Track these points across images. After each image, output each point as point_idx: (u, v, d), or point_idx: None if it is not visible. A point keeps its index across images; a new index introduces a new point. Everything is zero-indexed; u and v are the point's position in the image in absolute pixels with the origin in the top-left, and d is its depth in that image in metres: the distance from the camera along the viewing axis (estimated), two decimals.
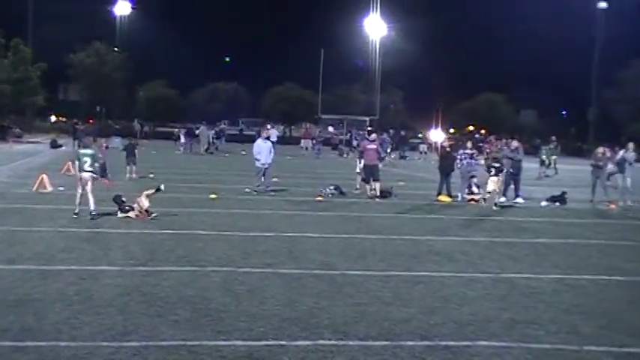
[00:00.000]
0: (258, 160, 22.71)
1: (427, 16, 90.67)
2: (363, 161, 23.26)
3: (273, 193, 22.26)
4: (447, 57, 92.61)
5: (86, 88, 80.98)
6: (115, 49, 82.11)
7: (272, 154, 23.09)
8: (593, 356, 7.45)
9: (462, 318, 8.63)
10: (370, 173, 22.59)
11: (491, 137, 44.11)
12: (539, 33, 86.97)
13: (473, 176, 23.33)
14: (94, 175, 16.39)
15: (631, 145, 23.99)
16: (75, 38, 76.57)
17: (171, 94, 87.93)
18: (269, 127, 32.27)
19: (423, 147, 57.50)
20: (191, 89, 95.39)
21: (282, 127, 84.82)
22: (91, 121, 78.31)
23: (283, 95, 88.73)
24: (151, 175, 26.65)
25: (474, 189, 22.87)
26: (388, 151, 40.54)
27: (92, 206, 15.74)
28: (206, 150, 46.66)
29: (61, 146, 45.50)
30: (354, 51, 77.40)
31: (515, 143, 24.21)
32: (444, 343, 7.65)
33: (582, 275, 11.51)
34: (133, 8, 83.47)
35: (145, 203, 16.13)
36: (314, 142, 53.25)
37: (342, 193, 22.78)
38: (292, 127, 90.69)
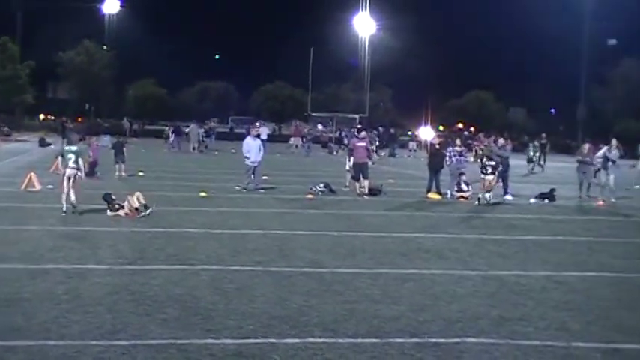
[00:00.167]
0: (247, 159, 22.70)
1: (416, 14, 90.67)
2: (352, 159, 23.29)
3: (262, 191, 22.25)
4: (436, 55, 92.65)
5: (75, 87, 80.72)
6: (104, 47, 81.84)
7: (262, 152, 23.08)
8: (582, 352, 7.48)
9: (451, 315, 8.65)
10: (360, 171, 22.61)
11: (480, 135, 44.23)
12: (528, 31, 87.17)
13: (462, 174, 23.39)
14: (79, 173, 16.37)
15: (614, 142, 24.07)
16: (64, 36, 76.27)
17: (161, 92, 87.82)
18: (258, 125, 32.26)
19: (412, 145, 57.61)
20: (180, 88, 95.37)
21: (272, 126, 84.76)
22: (79, 119, 78.09)
23: (273, 93, 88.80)
24: (141, 174, 26.62)
25: (463, 186, 22.92)
26: (374, 148, 40.57)
27: (75, 202, 15.81)
28: (194, 148, 46.53)
29: (49, 145, 45.27)
30: (343, 49, 77.50)
31: (501, 141, 24.28)
32: (433, 340, 7.66)
33: (571, 272, 11.56)
34: (122, 6, 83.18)
35: (135, 202, 16.10)
36: (304, 140, 53.22)
37: (331, 191, 22.79)
38: (282, 125, 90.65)
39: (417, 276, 10.78)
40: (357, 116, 67.54)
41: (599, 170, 23.72)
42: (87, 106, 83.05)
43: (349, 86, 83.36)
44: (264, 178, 24.24)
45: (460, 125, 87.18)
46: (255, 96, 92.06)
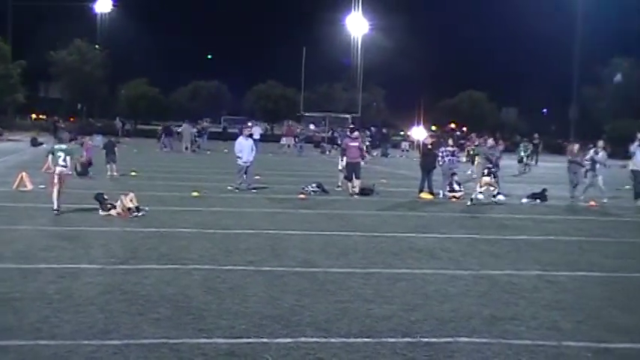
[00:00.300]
0: (239, 158, 22.69)
1: (409, 14, 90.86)
2: (345, 159, 23.30)
3: (255, 191, 22.24)
4: (429, 55, 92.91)
5: (67, 86, 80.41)
6: (97, 46, 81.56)
7: (254, 152, 23.08)
8: (573, 351, 7.51)
9: (444, 315, 8.67)
10: (352, 171, 22.62)
11: (473, 135, 44.29)
12: (520, 31, 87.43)
13: (454, 173, 23.45)
14: (68, 172, 16.38)
15: (601, 143, 24.15)
16: (56, 36, 76.00)
17: (153, 92, 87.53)
18: (250, 124, 32.25)
19: (404, 144, 57.70)
20: (173, 87, 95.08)
21: (265, 125, 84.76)
22: (72, 119, 77.93)
23: (265, 93, 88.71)
24: (133, 174, 26.58)
25: (455, 186, 22.99)
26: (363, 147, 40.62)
27: (55, 203, 15.82)
28: (186, 148, 46.46)
29: (41, 144, 45.08)
30: (336, 49, 77.58)
31: (490, 141, 24.35)
32: (425, 339, 7.68)
33: (562, 272, 11.60)
34: (114, 6, 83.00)
35: (128, 202, 16.08)
36: (296, 139, 53.22)
37: (324, 190, 22.80)
38: (274, 125, 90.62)
39: (410, 276, 10.79)
40: (349, 116, 67.64)
41: (587, 171, 23.79)
42: (79, 105, 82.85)
43: (342, 86, 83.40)
44: (256, 177, 24.24)
45: (452, 125, 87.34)
46: (248, 96, 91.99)
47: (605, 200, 22.90)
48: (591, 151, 24.03)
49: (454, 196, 22.57)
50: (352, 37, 75.60)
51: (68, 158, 16.26)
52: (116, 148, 27.01)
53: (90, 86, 79.53)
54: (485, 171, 21.73)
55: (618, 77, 24.18)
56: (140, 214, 15.93)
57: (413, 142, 60.79)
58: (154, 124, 75.23)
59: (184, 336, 7.46)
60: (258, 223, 15.73)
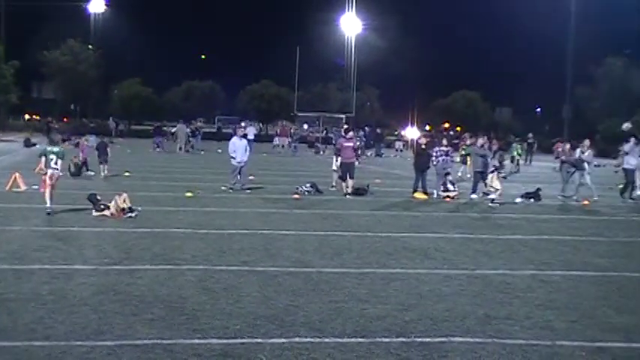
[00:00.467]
0: (233, 158, 22.67)
1: (402, 14, 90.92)
2: (339, 159, 23.31)
3: (249, 191, 22.23)
4: (423, 55, 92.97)
5: (60, 87, 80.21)
6: (90, 46, 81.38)
7: (248, 152, 23.05)
8: (566, 351, 7.52)
9: (438, 314, 8.67)
10: (346, 170, 22.62)
11: (466, 134, 44.33)
12: (514, 31, 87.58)
13: (448, 173, 23.49)
14: (60, 173, 16.38)
15: (586, 142, 24.25)
16: (49, 36, 75.82)
17: (146, 92, 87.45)
18: (244, 124, 32.25)
19: (398, 144, 57.74)
20: (166, 87, 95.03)
21: (259, 125, 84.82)
22: (65, 119, 77.81)
23: (259, 93, 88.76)
24: (127, 174, 26.54)
25: (449, 186, 23.04)
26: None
27: (49, 202, 15.83)
28: (180, 148, 46.38)
29: (34, 145, 44.99)
30: (329, 49, 77.56)
31: (480, 140, 24.40)
32: (419, 339, 7.68)
33: (556, 271, 11.62)
34: (107, 6, 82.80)
35: (121, 202, 16.04)
36: (290, 139, 53.22)
37: (318, 190, 22.80)
38: (267, 124, 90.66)
39: (404, 275, 10.80)
40: (343, 116, 67.68)
41: (576, 170, 23.88)
42: (72, 106, 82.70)
43: (335, 85, 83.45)
44: (250, 177, 24.23)
45: (446, 125, 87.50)
46: (242, 96, 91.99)
47: (595, 198, 22.99)
48: (578, 151, 24.15)
49: (448, 196, 22.61)
50: (346, 37, 75.63)
51: (60, 161, 16.25)
52: (108, 149, 26.97)
53: (83, 86, 79.35)
54: (492, 167, 21.99)
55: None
56: (133, 214, 15.90)
57: (407, 142, 60.83)
58: (148, 125, 75.11)
59: (178, 336, 7.45)
60: (252, 223, 15.72)
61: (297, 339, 7.53)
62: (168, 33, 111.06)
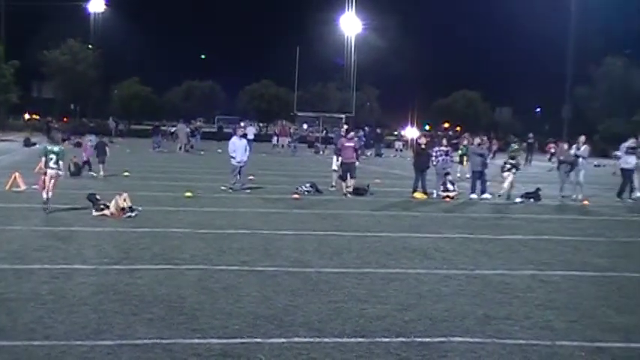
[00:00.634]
0: (233, 158, 22.65)
1: (402, 14, 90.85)
2: (340, 159, 23.31)
3: (248, 191, 22.22)
4: (423, 54, 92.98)
5: (60, 86, 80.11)
6: (90, 46, 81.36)
7: (247, 152, 23.04)
8: (566, 351, 7.52)
9: (437, 314, 8.67)
10: (347, 170, 22.62)
11: (466, 134, 44.36)
12: (514, 31, 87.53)
13: (447, 173, 23.51)
14: (60, 173, 16.40)
15: (582, 138, 24.28)
16: (49, 35, 75.79)
17: (146, 91, 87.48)
18: (243, 124, 32.23)
19: (398, 144, 57.71)
20: (166, 87, 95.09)
21: (259, 125, 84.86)
22: (65, 119, 77.77)
23: (259, 93, 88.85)
24: (126, 174, 26.53)
25: (449, 186, 23.05)
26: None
27: (49, 197, 15.88)
28: (180, 148, 46.38)
29: (34, 144, 45.00)
30: (329, 49, 77.55)
31: (477, 140, 24.50)
32: (418, 339, 7.68)
33: (555, 271, 11.62)
34: (107, 5, 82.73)
35: (121, 202, 16.04)
36: (290, 139, 53.22)
37: (317, 190, 22.81)
38: (267, 124, 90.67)
39: (403, 275, 10.80)
40: (343, 116, 67.64)
41: (572, 169, 23.92)
42: (72, 105, 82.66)
43: (335, 85, 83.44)
44: (250, 177, 24.23)
45: (447, 125, 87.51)
46: (242, 95, 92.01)
47: (580, 196, 23.03)
48: (573, 147, 24.18)
49: (448, 196, 22.61)
50: (346, 37, 75.61)
51: (60, 161, 16.27)
52: (107, 148, 27.00)
53: (83, 86, 79.30)
54: (508, 166, 22.15)
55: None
56: (134, 214, 15.90)
57: (407, 141, 60.82)
58: (147, 124, 75.11)
59: (177, 336, 7.45)
60: (251, 223, 15.72)
61: (296, 339, 7.53)
62: (168, 33, 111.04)
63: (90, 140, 28.79)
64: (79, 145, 38.46)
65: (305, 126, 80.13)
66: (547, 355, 7.39)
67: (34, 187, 19.67)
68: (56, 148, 16.44)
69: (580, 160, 23.58)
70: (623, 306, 9.50)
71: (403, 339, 7.67)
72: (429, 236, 14.80)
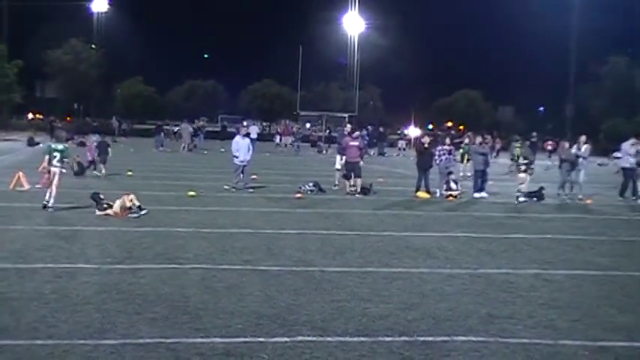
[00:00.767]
0: (236, 158, 22.65)
1: (405, 13, 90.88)
2: (344, 158, 23.29)
3: (251, 190, 22.22)
4: (425, 54, 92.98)
5: (63, 86, 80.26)
6: (92, 46, 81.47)
7: (250, 151, 23.03)
8: (569, 350, 7.52)
9: (440, 313, 8.67)
10: (352, 170, 22.60)
11: (470, 133, 44.32)
12: (516, 30, 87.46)
13: (450, 172, 23.48)
14: (63, 170, 16.45)
15: (582, 138, 24.27)
16: (51, 35, 75.89)
17: (149, 91, 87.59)
18: (246, 124, 32.24)
19: (401, 143, 57.67)
20: (169, 86, 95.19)
21: (262, 124, 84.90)
22: (68, 118, 77.86)
23: (261, 92, 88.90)
24: (129, 173, 26.54)
25: (452, 185, 23.02)
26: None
27: (51, 200, 16.00)
28: (184, 147, 46.40)
29: (38, 144, 45.06)
30: (332, 48, 77.63)
31: (479, 138, 24.51)
32: (422, 338, 7.68)
33: (559, 270, 11.61)
34: (109, 5, 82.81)
35: (128, 203, 16.03)
36: (293, 138, 53.24)
37: (320, 189, 22.81)
38: (269, 124, 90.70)
39: (406, 275, 10.79)
40: (346, 115, 67.67)
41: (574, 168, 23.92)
42: (75, 105, 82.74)
43: (338, 85, 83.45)
44: (253, 177, 24.22)
45: (449, 124, 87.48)
46: (244, 95, 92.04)
47: (580, 196, 23.01)
48: (574, 147, 24.17)
49: (451, 195, 22.60)
50: (349, 36, 75.67)
51: (65, 160, 16.32)
52: (109, 149, 27.06)
53: (86, 86, 79.42)
54: (522, 167, 22.13)
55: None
56: (143, 212, 15.89)
57: (409, 140, 60.79)
58: (150, 124, 75.18)
59: (181, 335, 7.46)
60: (254, 222, 15.72)
61: (299, 338, 7.53)
62: (171, 32, 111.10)
63: (95, 140, 28.85)
64: (82, 144, 38.56)
65: (308, 125, 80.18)
66: (550, 354, 7.39)
67: (38, 186, 19.71)
68: (60, 146, 16.47)
69: (580, 160, 23.57)
70: (625, 305, 9.50)
71: (406, 338, 7.67)
72: (432, 235, 14.79)
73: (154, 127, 52.91)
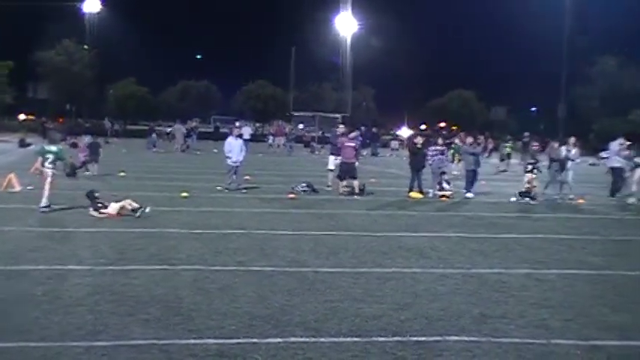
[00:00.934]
0: (229, 158, 22.64)
1: (398, 13, 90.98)
2: (339, 158, 23.28)
3: (244, 191, 22.21)
4: (418, 54, 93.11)
5: (55, 87, 79.95)
6: (85, 46, 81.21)
7: (243, 152, 23.01)
8: (561, 349, 7.54)
9: (433, 313, 8.68)
10: (347, 171, 22.58)
11: (461, 134, 44.41)
12: (509, 30, 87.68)
13: (443, 172, 23.52)
14: (55, 172, 16.41)
15: (572, 140, 24.38)
16: (44, 36, 75.67)
17: (142, 92, 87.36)
18: (238, 124, 32.22)
19: (394, 144, 57.72)
20: (162, 87, 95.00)
21: (255, 125, 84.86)
22: (61, 119, 77.56)
23: (255, 93, 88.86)
24: (122, 174, 26.50)
25: (445, 185, 23.06)
26: None
27: (44, 201, 15.90)
28: (177, 148, 46.33)
29: (29, 145, 44.91)
30: (325, 49, 77.67)
31: (470, 139, 24.56)
32: (414, 338, 7.69)
33: (551, 270, 11.64)
34: (102, 5, 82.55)
35: (127, 206, 15.99)
36: (286, 139, 53.23)
37: (313, 190, 22.81)
38: (262, 124, 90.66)
39: (399, 275, 10.80)
40: (339, 115, 67.67)
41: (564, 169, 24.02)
42: (68, 106, 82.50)
43: (331, 85, 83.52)
44: (245, 177, 24.19)
45: (443, 124, 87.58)
46: (238, 95, 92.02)
47: (571, 196, 23.08)
48: (563, 149, 24.26)
49: (444, 195, 22.63)
50: (342, 37, 75.63)
51: (59, 161, 16.29)
52: (101, 150, 27.04)
53: (78, 86, 79.17)
54: (529, 167, 22.32)
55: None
56: (147, 210, 15.89)
57: (402, 141, 60.84)
58: (143, 124, 75.03)
59: (174, 337, 7.45)
60: (247, 223, 15.71)
61: (292, 339, 7.53)
62: (164, 33, 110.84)
63: (87, 140, 28.81)
64: (74, 145, 38.44)
65: (301, 126, 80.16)
66: (542, 353, 7.41)
67: (29, 187, 19.65)
68: (54, 148, 16.43)
69: (569, 161, 23.69)
70: (618, 304, 9.52)
71: (399, 338, 7.68)
72: (425, 235, 14.81)
73: (147, 127, 52.85)
